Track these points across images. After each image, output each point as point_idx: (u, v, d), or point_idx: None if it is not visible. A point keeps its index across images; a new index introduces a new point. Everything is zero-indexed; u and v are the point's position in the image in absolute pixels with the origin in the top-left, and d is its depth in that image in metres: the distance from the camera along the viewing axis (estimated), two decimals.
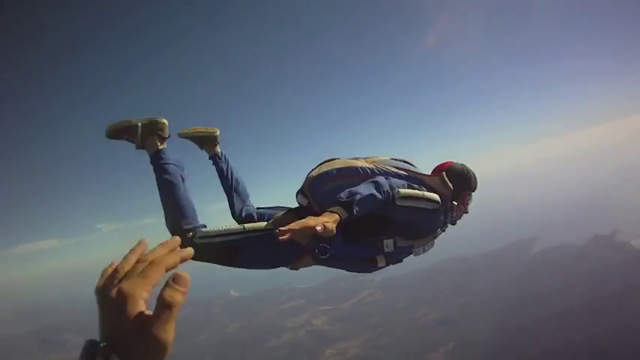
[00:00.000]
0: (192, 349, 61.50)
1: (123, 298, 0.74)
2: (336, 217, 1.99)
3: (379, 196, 2.19)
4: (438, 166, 2.61)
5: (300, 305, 64.61)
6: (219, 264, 2.46)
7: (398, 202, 2.27)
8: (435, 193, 2.38)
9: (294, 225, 1.84)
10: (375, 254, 2.43)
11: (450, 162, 2.62)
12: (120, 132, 2.59)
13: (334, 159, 2.59)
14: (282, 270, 2.58)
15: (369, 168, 2.46)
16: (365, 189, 2.17)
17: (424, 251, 2.55)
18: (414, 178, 2.45)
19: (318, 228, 1.84)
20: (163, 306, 0.74)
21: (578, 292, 53.81)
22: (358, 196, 2.09)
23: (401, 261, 2.58)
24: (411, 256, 2.58)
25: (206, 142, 2.92)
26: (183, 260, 0.80)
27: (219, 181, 2.90)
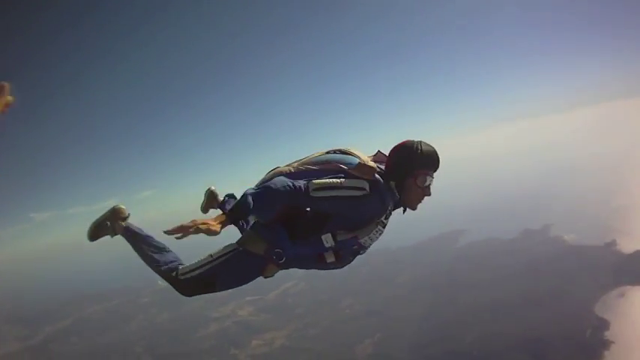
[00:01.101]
0: (123, 339, 61.36)
1: None
2: (222, 217, 2.19)
3: (282, 190, 2.26)
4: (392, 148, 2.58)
5: (226, 295, 63.50)
6: (207, 293, 2.59)
7: (313, 194, 2.29)
8: (360, 179, 2.35)
9: (176, 226, 2.08)
10: (322, 251, 2.43)
11: (404, 141, 2.49)
12: (96, 233, 2.93)
13: (275, 168, 2.64)
14: None
15: (287, 173, 2.51)
16: (260, 188, 2.30)
17: (371, 240, 2.48)
18: (336, 171, 2.42)
19: (190, 230, 2.05)
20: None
21: (508, 284, 54.64)
22: (247, 196, 2.22)
23: (359, 253, 2.53)
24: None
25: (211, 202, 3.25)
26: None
27: None
